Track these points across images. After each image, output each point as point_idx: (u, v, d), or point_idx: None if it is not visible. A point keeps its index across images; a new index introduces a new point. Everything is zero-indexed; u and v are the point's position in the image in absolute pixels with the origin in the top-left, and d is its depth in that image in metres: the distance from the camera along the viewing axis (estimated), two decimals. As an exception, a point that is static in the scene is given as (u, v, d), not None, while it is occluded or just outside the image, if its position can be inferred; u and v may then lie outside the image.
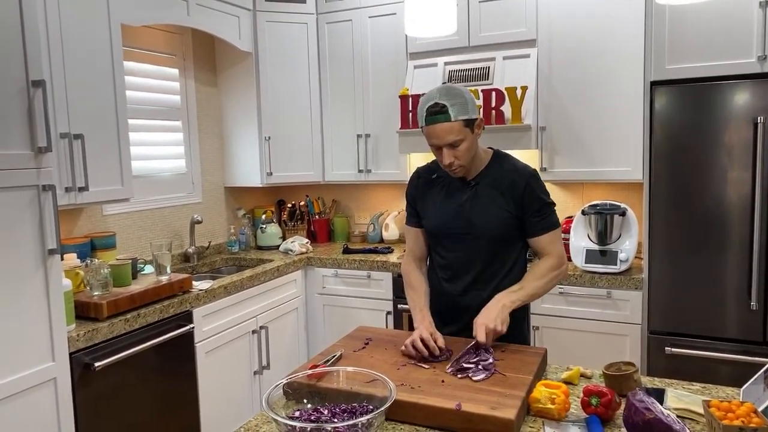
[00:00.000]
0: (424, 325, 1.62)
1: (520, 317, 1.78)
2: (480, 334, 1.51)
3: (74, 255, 2.27)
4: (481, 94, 2.83)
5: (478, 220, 1.69)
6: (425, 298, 1.77)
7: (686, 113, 2.36)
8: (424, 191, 1.81)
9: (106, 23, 2.35)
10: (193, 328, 2.46)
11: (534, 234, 1.71)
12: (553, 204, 1.73)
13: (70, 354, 1.91)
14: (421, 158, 3.36)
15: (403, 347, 1.56)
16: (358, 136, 3.42)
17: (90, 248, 2.50)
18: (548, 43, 2.88)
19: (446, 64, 3.07)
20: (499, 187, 1.70)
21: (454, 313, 1.69)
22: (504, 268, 1.73)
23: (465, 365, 1.44)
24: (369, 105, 3.38)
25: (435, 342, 1.53)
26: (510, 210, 1.68)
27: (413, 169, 1.95)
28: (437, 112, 1.58)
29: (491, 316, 1.54)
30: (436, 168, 1.80)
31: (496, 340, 1.57)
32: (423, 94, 2.92)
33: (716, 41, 2.33)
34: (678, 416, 1.23)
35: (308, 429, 1.11)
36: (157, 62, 3.06)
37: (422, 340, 1.53)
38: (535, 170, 1.73)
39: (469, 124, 1.61)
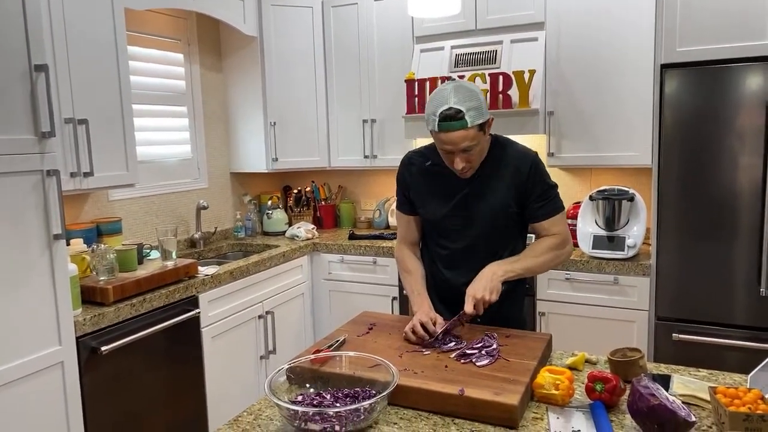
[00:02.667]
0: (423, 309, 1.62)
1: (518, 296, 1.78)
2: (468, 305, 1.51)
3: (80, 240, 2.28)
4: (488, 78, 2.80)
5: (479, 211, 1.66)
6: (422, 282, 1.75)
7: (697, 97, 2.32)
8: (419, 180, 1.75)
9: (109, 7, 2.33)
10: (199, 313, 2.47)
11: (538, 219, 1.67)
12: (556, 186, 1.70)
13: (77, 338, 1.92)
14: (427, 143, 3.33)
15: (404, 333, 1.56)
16: (364, 121, 3.39)
17: (96, 234, 2.50)
18: (556, 25, 2.83)
19: (453, 47, 3.03)
20: (501, 175, 1.65)
21: (457, 300, 1.68)
22: (505, 254, 1.71)
23: (468, 351, 1.43)
24: (375, 90, 3.35)
25: (434, 325, 1.54)
26: (511, 198, 1.65)
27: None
28: (452, 118, 1.48)
29: (481, 286, 1.53)
30: (429, 155, 1.73)
31: (490, 310, 1.58)
32: (430, 79, 2.92)
33: (729, 23, 2.28)
34: (684, 402, 1.22)
35: (310, 413, 1.11)
36: (162, 47, 3.05)
37: (421, 324, 1.53)
38: (536, 153, 1.69)
39: (483, 127, 1.54)
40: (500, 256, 1.69)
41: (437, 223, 1.74)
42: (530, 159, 1.66)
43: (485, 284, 1.53)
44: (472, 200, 1.67)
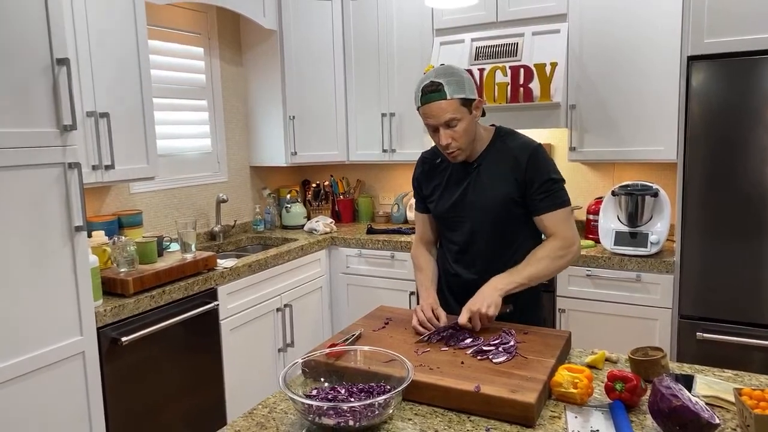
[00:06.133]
0: (426, 303, 1.63)
1: (532, 299, 1.76)
2: (462, 317, 1.51)
3: (102, 232, 2.31)
4: (509, 71, 2.76)
5: (480, 201, 1.67)
6: (431, 277, 1.78)
7: (724, 90, 2.25)
8: (430, 177, 1.80)
9: (131, 1, 2.35)
10: (217, 305, 2.49)
11: (538, 212, 1.64)
12: (561, 180, 1.65)
13: (98, 329, 1.95)
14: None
15: (413, 326, 1.58)
16: (383, 115, 3.38)
17: (117, 226, 2.54)
18: (579, 17, 2.77)
19: (473, 40, 2.99)
20: (502, 166, 1.65)
21: (466, 293, 1.67)
22: (512, 246, 1.69)
23: (485, 347, 1.41)
24: (394, 83, 3.33)
25: (438, 319, 1.56)
26: (513, 188, 1.64)
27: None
28: (432, 91, 1.55)
29: (479, 300, 1.53)
30: (440, 153, 1.77)
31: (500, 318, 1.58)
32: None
33: (759, 13, 2.20)
34: (707, 404, 1.19)
35: (324, 408, 1.10)
36: (182, 41, 3.07)
37: (422, 322, 1.55)
38: (539, 144, 1.66)
39: (467, 103, 1.57)
40: (506, 248, 1.68)
41: (444, 216, 1.76)
42: (530, 149, 1.64)
43: (483, 298, 1.53)
44: (473, 191, 1.68)
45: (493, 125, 1.74)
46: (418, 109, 1.62)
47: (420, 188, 1.83)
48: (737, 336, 2.32)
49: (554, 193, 1.63)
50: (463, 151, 1.63)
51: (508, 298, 1.58)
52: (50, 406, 1.79)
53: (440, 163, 1.77)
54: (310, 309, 3.18)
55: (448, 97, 1.54)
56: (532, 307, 1.77)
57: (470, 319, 1.51)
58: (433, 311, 1.58)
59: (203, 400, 2.45)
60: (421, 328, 1.55)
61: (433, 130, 1.61)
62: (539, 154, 1.63)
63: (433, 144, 1.81)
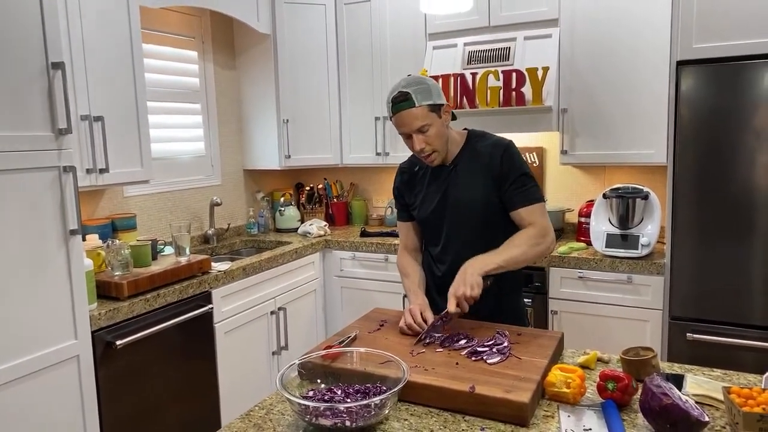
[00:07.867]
0: (416, 304, 1.66)
1: (513, 291, 1.80)
2: (450, 304, 1.53)
3: (96, 236, 2.31)
4: (501, 75, 2.78)
5: (459, 201, 1.72)
6: (419, 282, 1.81)
7: (714, 94, 2.29)
8: (410, 186, 1.85)
9: (125, 5, 2.35)
10: (212, 308, 2.49)
11: (514, 206, 1.69)
12: (533, 177, 1.70)
13: (92, 332, 1.95)
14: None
15: (400, 328, 1.60)
16: (376, 118, 3.39)
17: (111, 229, 2.54)
18: (571, 22, 2.81)
19: (466, 44, 3.02)
20: (477, 165, 1.71)
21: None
22: (493, 243, 1.69)
23: (479, 348, 1.43)
24: (387, 87, 3.34)
25: (426, 321, 1.58)
26: (490, 184, 1.69)
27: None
28: (401, 101, 1.61)
29: (461, 283, 1.55)
30: (417, 161, 1.82)
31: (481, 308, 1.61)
32: (442, 76, 2.92)
33: (747, 18, 2.24)
34: (697, 402, 1.21)
35: (321, 408, 1.11)
36: (176, 45, 3.07)
37: (410, 325, 1.58)
38: (510, 141, 1.72)
39: (435, 109, 1.64)
40: (488, 245, 1.69)
41: (427, 221, 1.80)
42: (503, 147, 1.70)
43: (465, 280, 1.55)
44: (453, 191, 1.73)
45: (465, 129, 1.81)
46: (390, 119, 1.67)
47: (402, 198, 1.88)
48: (727, 336, 2.35)
49: (528, 189, 1.68)
50: (439, 153, 1.69)
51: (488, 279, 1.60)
52: (44, 409, 1.79)
53: (418, 171, 1.83)
54: (304, 312, 3.18)
55: (417, 104, 1.61)
56: (514, 294, 1.82)
57: (458, 304, 1.53)
58: (421, 314, 1.60)
59: (198, 403, 2.45)
60: (407, 330, 1.57)
61: (407, 137, 1.66)
62: (512, 151, 1.70)
63: (409, 157, 1.86)
